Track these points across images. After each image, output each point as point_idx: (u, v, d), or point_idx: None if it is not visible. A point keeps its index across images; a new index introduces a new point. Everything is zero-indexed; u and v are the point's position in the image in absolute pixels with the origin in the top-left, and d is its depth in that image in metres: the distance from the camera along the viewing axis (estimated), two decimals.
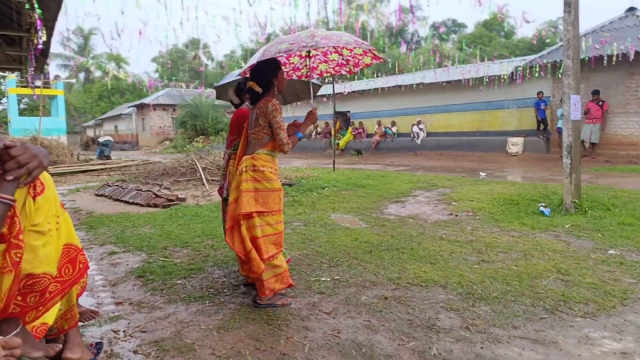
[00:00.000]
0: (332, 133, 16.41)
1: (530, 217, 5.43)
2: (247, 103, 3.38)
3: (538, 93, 13.74)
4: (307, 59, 3.61)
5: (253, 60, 2.90)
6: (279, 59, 3.33)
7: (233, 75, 4.09)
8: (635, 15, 13.01)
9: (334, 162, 12.14)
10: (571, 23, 5.68)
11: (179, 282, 3.46)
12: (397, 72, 21.72)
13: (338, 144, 18.71)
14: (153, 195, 7.30)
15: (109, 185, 8.87)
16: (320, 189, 7.99)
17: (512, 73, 14.22)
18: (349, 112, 21.27)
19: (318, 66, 3.78)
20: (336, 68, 3.78)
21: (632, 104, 11.85)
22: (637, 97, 11.75)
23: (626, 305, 2.86)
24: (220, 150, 12.11)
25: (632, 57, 10.96)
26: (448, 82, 16.30)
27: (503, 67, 14.88)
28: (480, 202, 6.36)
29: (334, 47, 3.51)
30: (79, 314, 2.26)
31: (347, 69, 3.75)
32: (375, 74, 22.69)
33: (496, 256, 3.96)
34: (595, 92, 12.09)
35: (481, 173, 10.34)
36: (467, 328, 2.61)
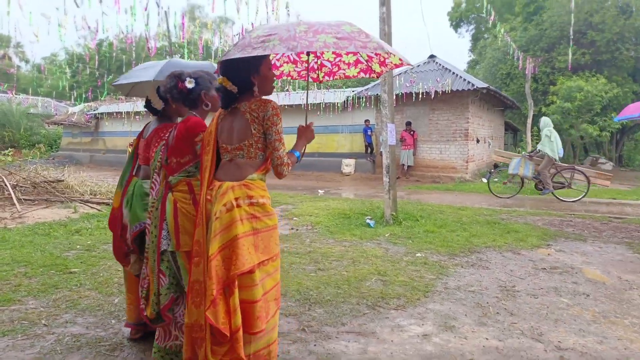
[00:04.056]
0: None
1: (359, 228, 6.13)
2: (193, 111, 2.37)
3: (365, 121, 15.63)
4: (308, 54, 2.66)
5: (234, 55, 1.92)
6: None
7: (147, 72, 3.02)
8: (435, 62, 15.99)
9: None
10: None
11: None
12: None
13: None
14: None
15: None
16: None
17: (344, 102, 15.90)
18: None
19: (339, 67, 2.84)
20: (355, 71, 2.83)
21: (434, 134, 14.43)
22: (438, 128, 14.37)
23: (428, 297, 3.50)
24: (38, 165, 10.44)
25: (432, 95, 13.42)
26: (290, 106, 17.29)
27: (337, 96, 16.53)
28: (318, 217, 6.90)
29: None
30: None
31: (374, 71, 2.74)
32: None
33: (330, 264, 4.37)
34: (408, 123, 14.38)
35: (319, 190, 11.19)
36: (303, 330, 2.85)
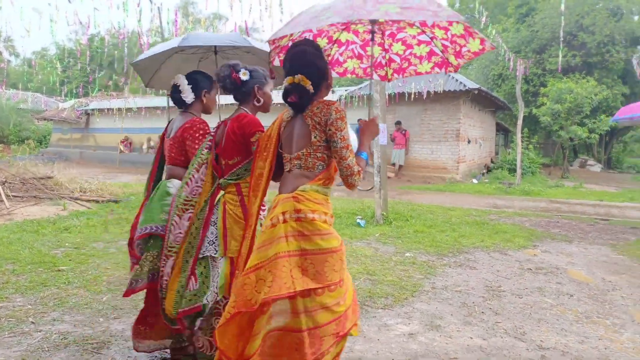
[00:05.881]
0: None
1: (349, 228, 6.17)
2: (243, 107, 2.23)
3: (358, 120, 15.57)
4: (372, 44, 2.32)
5: (285, 32, 1.73)
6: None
7: (168, 44, 2.68)
8: None
9: None
10: None
11: None
12: None
13: None
14: None
15: None
16: None
17: (338, 101, 15.94)
18: None
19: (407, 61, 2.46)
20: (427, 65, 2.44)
21: (425, 134, 14.51)
22: (430, 128, 14.45)
23: (415, 297, 3.54)
24: (27, 161, 10.35)
25: (425, 95, 13.49)
26: (282, 104, 17.32)
27: (330, 95, 16.58)
28: None
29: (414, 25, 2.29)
30: None
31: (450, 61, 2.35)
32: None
33: None
34: (398, 123, 14.44)
35: None
36: None
